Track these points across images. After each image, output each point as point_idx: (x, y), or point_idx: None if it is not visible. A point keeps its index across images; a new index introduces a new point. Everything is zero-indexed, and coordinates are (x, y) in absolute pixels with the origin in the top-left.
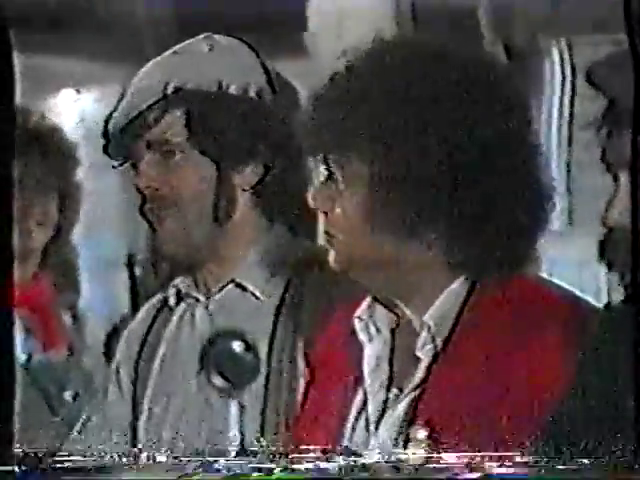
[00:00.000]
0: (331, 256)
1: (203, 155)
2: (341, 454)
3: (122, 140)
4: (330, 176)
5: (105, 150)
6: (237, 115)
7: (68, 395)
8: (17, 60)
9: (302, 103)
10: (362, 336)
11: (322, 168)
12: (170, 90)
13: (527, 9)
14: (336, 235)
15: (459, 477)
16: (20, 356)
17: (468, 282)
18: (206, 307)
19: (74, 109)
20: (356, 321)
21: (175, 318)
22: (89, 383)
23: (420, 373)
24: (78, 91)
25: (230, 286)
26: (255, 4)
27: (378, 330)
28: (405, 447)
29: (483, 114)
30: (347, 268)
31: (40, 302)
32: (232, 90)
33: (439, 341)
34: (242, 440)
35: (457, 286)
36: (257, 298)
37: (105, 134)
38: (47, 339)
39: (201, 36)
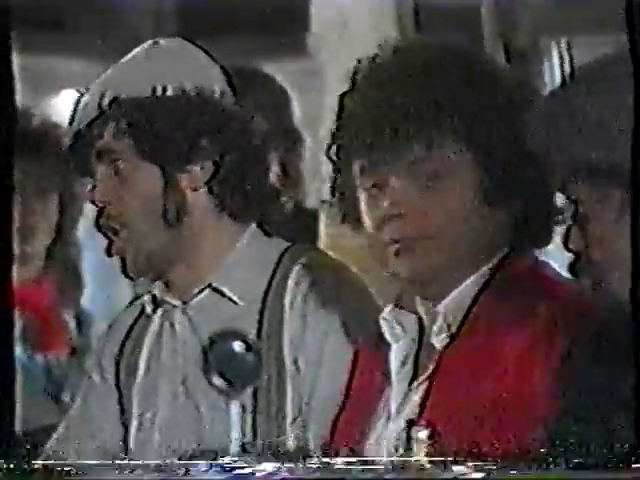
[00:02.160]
0: (404, 263)
1: (146, 161)
2: (346, 454)
3: (78, 156)
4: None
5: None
6: (174, 117)
7: (65, 396)
8: (17, 60)
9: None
10: (388, 336)
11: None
12: (106, 102)
13: (528, 10)
14: (415, 239)
15: (462, 477)
16: (21, 357)
17: (485, 275)
18: (184, 312)
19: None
20: (382, 322)
21: (155, 325)
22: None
23: (433, 362)
24: (79, 91)
25: (207, 291)
26: (256, 4)
27: (404, 330)
28: (408, 447)
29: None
30: (421, 274)
31: (43, 303)
32: (169, 93)
33: (454, 330)
34: (243, 441)
35: (476, 278)
36: (235, 303)
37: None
38: (49, 340)
39: (145, 44)
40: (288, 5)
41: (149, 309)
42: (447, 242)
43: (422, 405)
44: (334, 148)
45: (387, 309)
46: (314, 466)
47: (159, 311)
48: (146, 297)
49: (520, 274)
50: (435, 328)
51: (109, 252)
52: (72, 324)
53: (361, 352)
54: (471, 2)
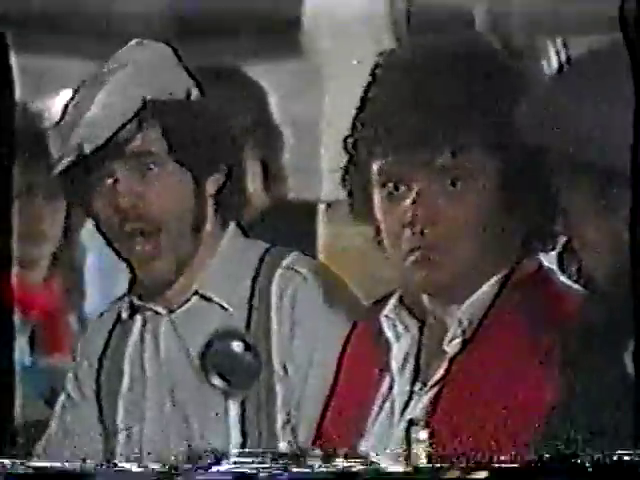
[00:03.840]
0: (422, 270)
1: (180, 165)
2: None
3: (96, 159)
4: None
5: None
6: (201, 121)
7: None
8: (16, 60)
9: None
10: (389, 334)
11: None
12: (140, 105)
13: (524, 9)
14: (435, 245)
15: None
16: (25, 360)
17: (500, 281)
18: (170, 321)
19: None
20: (383, 320)
21: (135, 334)
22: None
23: (444, 367)
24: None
25: (194, 299)
26: (253, 4)
27: (406, 328)
28: (408, 447)
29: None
30: (439, 281)
31: (47, 306)
32: (194, 97)
33: (468, 335)
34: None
35: (492, 283)
36: (224, 309)
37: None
38: (52, 343)
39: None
40: (281, 6)
41: (124, 315)
42: (466, 249)
43: (432, 409)
44: (350, 141)
45: (389, 307)
46: (314, 466)
47: (138, 319)
48: (124, 305)
49: (528, 280)
50: (449, 334)
51: (126, 254)
52: (75, 327)
53: (353, 350)
54: (465, 3)
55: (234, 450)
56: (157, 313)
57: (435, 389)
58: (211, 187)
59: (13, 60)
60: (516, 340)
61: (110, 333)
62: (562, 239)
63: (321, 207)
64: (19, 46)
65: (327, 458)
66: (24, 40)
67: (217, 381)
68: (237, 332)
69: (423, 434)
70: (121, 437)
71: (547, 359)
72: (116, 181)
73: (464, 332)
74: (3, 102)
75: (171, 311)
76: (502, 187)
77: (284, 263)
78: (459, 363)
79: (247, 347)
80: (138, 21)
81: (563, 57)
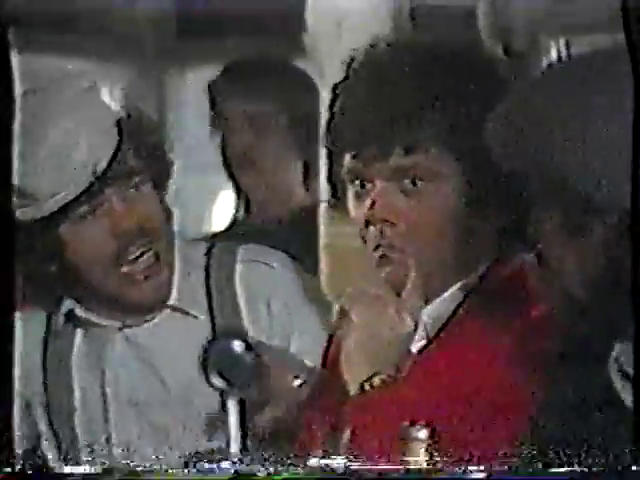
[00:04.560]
0: (386, 269)
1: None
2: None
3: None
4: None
5: None
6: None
7: None
8: (16, 60)
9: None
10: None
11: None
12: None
13: (526, 9)
14: (405, 249)
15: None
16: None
17: (471, 283)
18: (125, 338)
19: None
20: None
21: (79, 344)
22: None
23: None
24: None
25: (166, 312)
26: (254, 4)
27: None
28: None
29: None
30: (402, 282)
31: None
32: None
33: (432, 336)
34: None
35: (460, 286)
36: (195, 317)
37: None
38: None
39: None
40: (284, 5)
41: (60, 324)
42: (428, 250)
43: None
44: (329, 139)
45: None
46: (314, 466)
47: (86, 334)
48: (62, 317)
49: (505, 281)
50: (416, 336)
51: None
52: None
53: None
54: (468, 3)
55: (234, 450)
56: (105, 327)
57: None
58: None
59: (14, 59)
60: (482, 344)
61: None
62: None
63: (322, 207)
64: (20, 46)
65: (327, 458)
66: (25, 39)
67: (217, 381)
68: (237, 332)
69: (423, 433)
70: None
71: (518, 364)
72: (108, 205)
73: (427, 334)
74: (4, 102)
75: (127, 325)
76: (469, 189)
77: (241, 257)
78: (420, 364)
79: (247, 347)
80: (139, 21)
81: (565, 57)
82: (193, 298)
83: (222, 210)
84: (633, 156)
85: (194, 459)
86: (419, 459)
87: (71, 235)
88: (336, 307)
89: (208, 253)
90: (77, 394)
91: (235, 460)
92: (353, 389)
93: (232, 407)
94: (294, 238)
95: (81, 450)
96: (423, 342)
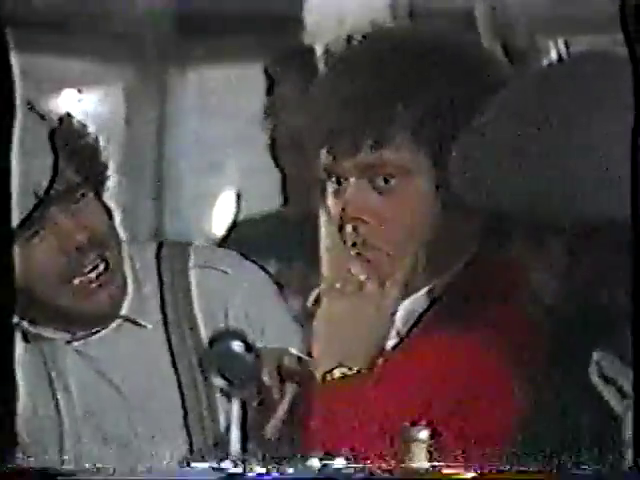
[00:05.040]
0: (362, 267)
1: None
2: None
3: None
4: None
5: None
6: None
7: None
8: (17, 60)
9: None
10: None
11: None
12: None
13: (525, 9)
14: (379, 247)
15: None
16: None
17: (447, 279)
18: (76, 350)
19: (76, 109)
20: None
21: (24, 356)
22: None
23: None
24: (80, 91)
25: (117, 322)
26: (255, 4)
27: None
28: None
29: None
30: (377, 280)
31: None
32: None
33: (403, 333)
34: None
35: (437, 282)
36: (144, 327)
37: None
38: None
39: None
40: (283, 4)
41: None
42: (405, 250)
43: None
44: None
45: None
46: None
47: (32, 347)
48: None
49: (486, 276)
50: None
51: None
52: None
53: None
54: (467, 3)
55: (235, 450)
56: (54, 340)
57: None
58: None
59: (14, 60)
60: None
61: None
62: None
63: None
64: (20, 45)
65: (327, 458)
66: (25, 39)
67: (218, 381)
68: (237, 332)
69: (423, 433)
70: None
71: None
72: (54, 223)
73: (398, 332)
74: (4, 102)
75: (77, 340)
76: (443, 187)
77: (194, 261)
78: (392, 357)
79: (247, 347)
80: (139, 21)
81: (565, 57)
82: (146, 306)
83: (223, 212)
84: (632, 156)
85: (191, 459)
86: (420, 460)
87: (19, 257)
88: (311, 297)
89: (158, 256)
90: (25, 405)
91: (235, 460)
92: (317, 377)
93: (234, 406)
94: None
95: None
96: (395, 340)
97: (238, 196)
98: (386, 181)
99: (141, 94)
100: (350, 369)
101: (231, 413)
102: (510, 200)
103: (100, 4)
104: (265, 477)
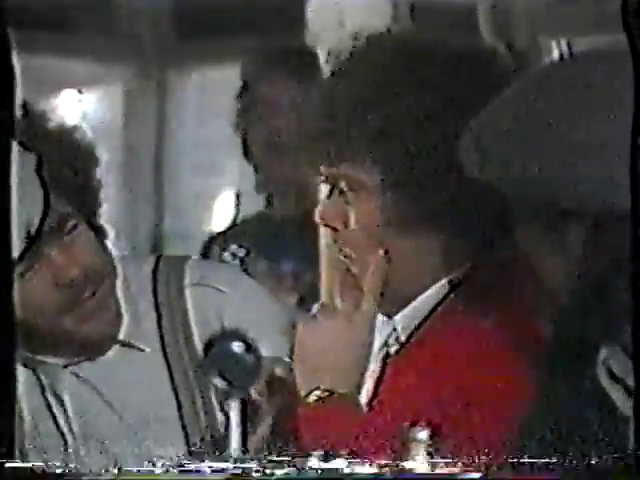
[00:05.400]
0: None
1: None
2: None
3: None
4: (332, 190)
5: None
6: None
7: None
8: (17, 60)
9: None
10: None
11: (322, 180)
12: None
13: (527, 9)
14: (351, 252)
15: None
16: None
17: (445, 288)
18: (74, 374)
19: (77, 109)
20: None
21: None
22: None
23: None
24: (80, 92)
25: (115, 347)
26: (255, 4)
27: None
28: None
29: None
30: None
31: None
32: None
33: (403, 339)
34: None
35: (433, 290)
36: (142, 350)
37: None
38: None
39: None
40: (285, 4)
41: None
42: (375, 260)
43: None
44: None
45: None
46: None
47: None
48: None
49: (485, 285)
50: (390, 340)
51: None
52: None
53: None
54: (469, 2)
55: (235, 450)
56: (51, 365)
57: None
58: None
59: (15, 60)
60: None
61: None
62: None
63: None
64: (20, 46)
65: (327, 458)
66: (25, 39)
67: (218, 381)
68: (237, 332)
69: (423, 434)
70: None
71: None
72: (46, 258)
73: (398, 338)
74: (4, 102)
75: (73, 363)
76: (392, 206)
77: (188, 279)
78: (394, 361)
79: (247, 347)
80: (139, 21)
81: (567, 58)
82: (142, 328)
83: (223, 212)
84: (632, 155)
85: (191, 459)
86: (420, 460)
87: (17, 290)
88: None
89: (155, 272)
90: (28, 427)
91: (236, 460)
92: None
93: (234, 407)
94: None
95: None
96: (396, 347)
97: (238, 196)
98: (351, 196)
99: (141, 94)
100: (330, 392)
101: (231, 414)
102: (525, 183)
103: (100, 4)
104: (265, 477)
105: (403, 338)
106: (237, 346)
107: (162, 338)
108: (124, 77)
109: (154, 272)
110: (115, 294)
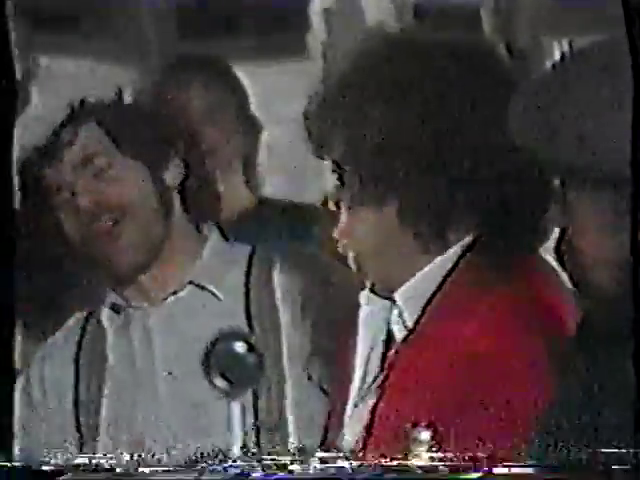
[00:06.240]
0: (350, 259)
1: (134, 160)
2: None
3: (43, 162)
4: (341, 178)
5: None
6: (145, 118)
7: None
8: (17, 60)
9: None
10: (359, 321)
11: (330, 170)
12: (77, 105)
13: (529, 9)
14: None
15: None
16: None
17: (444, 265)
18: (156, 315)
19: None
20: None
21: (113, 334)
22: None
23: (391, 355)
24: (83, 92)
25: (187, 288)
26: (255, 4)
27: (372, 315)
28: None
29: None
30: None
31: None
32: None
33: (409, 321)
34: (244, 441)
35: (433, 267)
36: (217, 298)
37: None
38: None
39: None
40: (286, 4)
41: (105, 317)
42: (371, 242)
43: (376, 402)
44: None
45: (363, 293)
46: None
47: (116, 320)
48: (104, 309)
49: (484, 266)
50: (393, 317)
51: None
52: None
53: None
54: (472, 1)
55: (236, 450)
56: (138, 308)
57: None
58: (171, 179)
59: (15, 59)
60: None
61: (79, 346)
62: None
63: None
64: (20, 45)
65: (328, 458)
66: (25, 39)
67: (219, 382)
68: (240, 332)
69: (425, 435)
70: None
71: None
72: (69, 186)
73: (402, 315)
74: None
75: (154, 304)
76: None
77: (279, 263)
78: (403, 350)
79: (250, 348)
80: (140, 21)
81: (568, 57)
82: (225, 283)
83: None
84: (632, 154)
85: (197, 460)
86: (422, 460)
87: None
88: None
89: (252, 253)
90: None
91: (236, 460)
92: None
93: (234, 407)
94: None
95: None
96: (400, 325)
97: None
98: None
99: (142, 94)
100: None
101: (232, 414)
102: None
103: (100, 4)
104: (266, 477)
105: (408, 320)
106: (239, 346)
107: (247, 299)
108: (124, 77)
109: (250, 256)
110: (141, 226)
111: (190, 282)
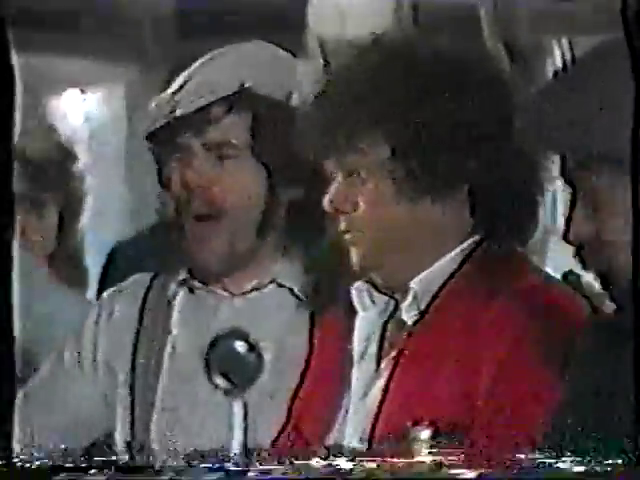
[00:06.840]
0: (354, 255)
1: (261, 163)
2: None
3: (174, 130)
4: (348, 175)
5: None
6: (296, 127)
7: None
8: (17, 60)
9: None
10: (357, 305)
11: (334, 168)
12: (238, 89)
13: (528, 9)
14: (361, 232)
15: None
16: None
17: (457, 257)
18: (232, 305)
19: (79, 109)
20: (353, 291)
21: (179, 313)
22: None
23: (402, 343)
24: (82, 91)
25: (271, 286)
26: (255, 4)
27: (373, 301)
28: (407, 447)
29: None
30: (372, 264)
31: None
32: (294, 101)
33: (423, 306)
34: (245, 441)
35: (446, 259)
36: (298, 298)
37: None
38: None
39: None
40: (286, 5)
41: (171, 294)
42: (388, 234)
43: (385, 389)
44: None
45: (359, 282)
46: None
47: (189, 298)
48: (173, 284)
49: (493, 261)
50: (406, 303)
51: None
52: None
53: (326, 327)
54: (470, 2)
55: (236, 449)
56: (216, 294)
57: (390, 366)
58: (285, 194)
59: (15, 59)
60: (477, 316)
61: (141, 312)
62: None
63: None
64: (20, 45)
65: (327, 457)
66: (25, 39)
67: (220, 381)
68: (241, 332)
69: (425, 433)
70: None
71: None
72: (191, 158)
73: (418, 302)
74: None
75: (233, 295)
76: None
77: None
78: (415, 337)
79: (250, 347)
80: (139, 21)
81: (568, 57)
82: (303, 281)
83: None
84: (632, 155)
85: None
86: (423, 459)
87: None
88: None
89: None
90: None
91: (237, 460)
92: None
93: (235, 407)
94: None
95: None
96: (414, 312)
97: None
98: (356, 174)
99: (142, 94)
100: None
101: (232, 413)
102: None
103: (100, 4)
104: (266, 477)
105: (423, 306)
106: (240, 346)
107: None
108: (124, 77)
109: None
110: (237, 230)
111: (273, 281)
